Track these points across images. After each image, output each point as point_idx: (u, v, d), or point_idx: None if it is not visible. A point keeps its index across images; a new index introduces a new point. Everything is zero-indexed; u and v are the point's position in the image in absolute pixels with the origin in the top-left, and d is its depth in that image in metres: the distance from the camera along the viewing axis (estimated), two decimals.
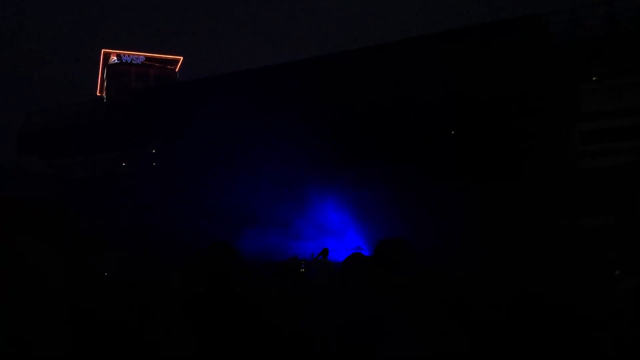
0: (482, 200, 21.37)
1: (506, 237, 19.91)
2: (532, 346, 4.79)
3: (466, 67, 22.36)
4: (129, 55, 56.36)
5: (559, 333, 4.89)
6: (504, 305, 5.38)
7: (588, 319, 5.14)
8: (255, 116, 25.18)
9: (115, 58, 56.70)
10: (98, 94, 57.68)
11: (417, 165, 21.94)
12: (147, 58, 56.69)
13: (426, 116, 23.14)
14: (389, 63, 24.18)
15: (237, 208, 24.61)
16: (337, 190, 24.05)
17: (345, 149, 23.82)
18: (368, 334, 3.07)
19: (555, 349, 4.77)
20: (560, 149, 22.71)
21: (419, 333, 3.06)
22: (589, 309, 5.53)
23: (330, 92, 24.65)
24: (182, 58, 58.48)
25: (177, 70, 58.44)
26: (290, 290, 7.74)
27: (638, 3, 22.73)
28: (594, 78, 23.46)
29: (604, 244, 16.88)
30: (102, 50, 57.19)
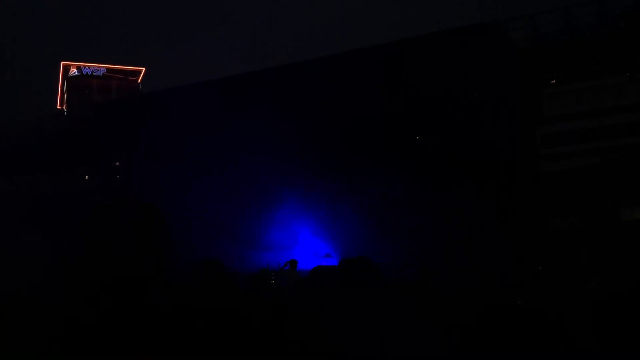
0: (447, 204, 21.58)
1: (473, 241, 20.16)
2: (502, 349, 4.90)
3: (428, 75, 22.63)
4: (89, 67, 55.49)
5: (527, 336, 5.01)
6: (474, 310, 5.47)
7: (553, 320, 5.29)
8: (221, 127, 25.01)
9: (75, 70, 55.77)
10: (58, 107, 56.61)
11: (382, 171, 22.05)
12: (108, 70, 55.90)
13: (390, 123, 23.32)
14: (351, 72, 24.23)
15: (207, 220, 24.37)
16: (306, 199, 24.02)
17: (312, 158, 23.77)
18: (346, 341, 3.11)
19: (524, 351, 4.90)
20: (523, 153, 23.14)
21: (394, 339, 3.11)
22: (555, 310, 5.68)
23: (295, 102, 24.62)
24: (144, 69, 57.91)
25: (139, 81, 57.79)
26: (269, 301, 7.71)
27: (594, 9, 23.38)
28: (552, 82, 24.03)
29: (572, 245, 17.24)
30: (62, 62, 56.24)
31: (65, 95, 55.55)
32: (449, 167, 21.87)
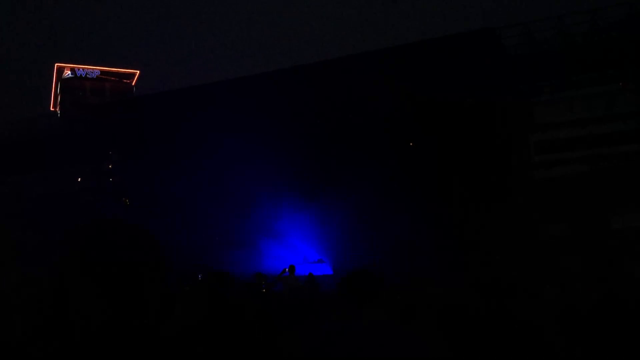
0: (438, 208, 21.63)
1: (466, 249, 20.20)
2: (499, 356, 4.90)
3: (420, 81, 22.70)
4: (83, 69, 55.32)
5: (515, 343, 5.02)
6: (468, 317, 5.48)
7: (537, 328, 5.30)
8: (214, 132, 24.91)
9: (69, 72, 55.58)
10: (52, 108, 56.40)
11: (373, 175, 22.06)
12: (102, 72, 55.73)
13: (384, 129, 23.32)
14: (345, 80, 24.21)
15: (197, 224, 24.34)
16: (294, 204, 23.99)
17: (302, 161, 23.74)
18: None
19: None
20: (515, 160, 23.23)
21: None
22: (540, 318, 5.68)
23: (287, 107, 24.62)
24: (138, 72, 57.81)
25: (133, 84, 57.63)
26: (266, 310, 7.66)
27: (588, 18, 23.55)
28: (545, 90, 24.16)
29: (560, 252, 17.33)
30: (56, 64, 56.04)
31: (59, 97, 55.39)
32: (441, 172, 21.94)
